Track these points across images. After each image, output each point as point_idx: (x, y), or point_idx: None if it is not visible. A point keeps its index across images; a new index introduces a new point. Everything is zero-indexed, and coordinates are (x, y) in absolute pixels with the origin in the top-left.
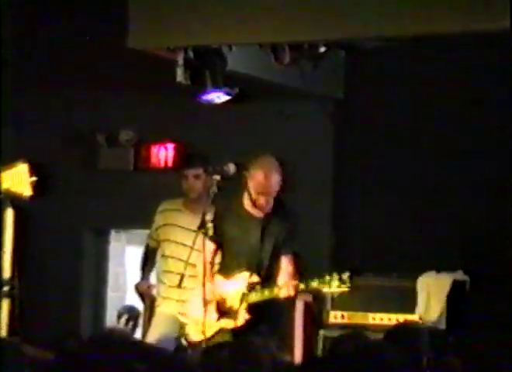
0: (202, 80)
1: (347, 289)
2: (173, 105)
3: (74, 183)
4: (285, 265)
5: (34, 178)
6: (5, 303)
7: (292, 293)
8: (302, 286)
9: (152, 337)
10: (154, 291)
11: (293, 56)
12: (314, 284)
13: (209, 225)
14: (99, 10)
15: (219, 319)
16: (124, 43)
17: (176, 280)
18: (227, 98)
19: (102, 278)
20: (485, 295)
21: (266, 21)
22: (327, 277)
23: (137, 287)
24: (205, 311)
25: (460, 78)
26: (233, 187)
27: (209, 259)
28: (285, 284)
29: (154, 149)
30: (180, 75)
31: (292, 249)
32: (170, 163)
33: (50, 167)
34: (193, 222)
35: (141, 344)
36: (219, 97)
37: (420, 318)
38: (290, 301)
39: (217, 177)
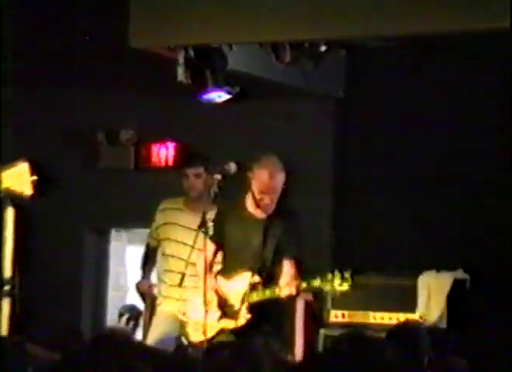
0: (202, 80)
1: (348, 287)
2: (173, 104)
3: (74, 182)
4: (287, 268)
5: (35, 177)
6: (6, 302)
7: (293, 292)
8: (304, 285)
9: (153, 336)
10: (155, 290)
11: (294, 55)
12: (316, 282)
13: (210, 224)
14: (99, 10)
15: (219, 319)
16: (125, 42)
17: (177, 279)
18: (228, 97)
19: (103, 277)
20: (485, 294)
21: (267, 20)
22: (329, 276)
23: (138, 287)
24: (206, 311)
25: (460, 78)
26: (234, 186)
27: (209, 259)
28: (286, 284)
29: (155, 148)
30: (181, 74)
31: (295, 253)
32: (170, 162)
33: (51, 166)
34: (194, 220)
35: (143, 344)
36: (219, 96)
37: (421, 317)
38: (291, 300)
39: (218, 176)
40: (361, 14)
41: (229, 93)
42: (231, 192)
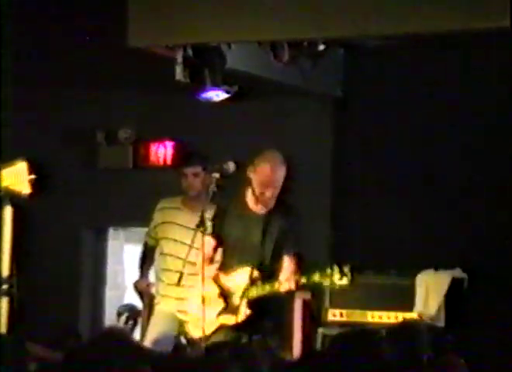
0: (201, 79)
1: (348, 282)
2: (172, 103)
3: (73, 181)
4: (287, 263)
5: (33, 176)
6: (4, 301)
7: (293, 287)
8: (303, 280)
9: (151, 335)
10: (153, 289)
11: (292, 55)
12: (315, 277)
13: (208, 223)
14: (99, 8)
15: (219, 315)
16: (123, 41)
17: (175, 278)
18: (226, 96)
19: (101, 276)
20: (483, 293)
21: (265, 19)
22: (328, 271)
23: (136, 286)
24: (204, 307)
25: (460, 78)
26: (232, 185)
27: (209, 254)
28: (286, 280)
29: (153, 147)
30: (179, 73)
31: (295, 248)
32: (169, 161)
33: (50, 165)
34: (192, 220)
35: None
36: (218, 95)
37: (419, 316)
38: (289, 299)
39: (216, 175)
40: (360, 13)
41: (227, 92)
42: (230, 191)
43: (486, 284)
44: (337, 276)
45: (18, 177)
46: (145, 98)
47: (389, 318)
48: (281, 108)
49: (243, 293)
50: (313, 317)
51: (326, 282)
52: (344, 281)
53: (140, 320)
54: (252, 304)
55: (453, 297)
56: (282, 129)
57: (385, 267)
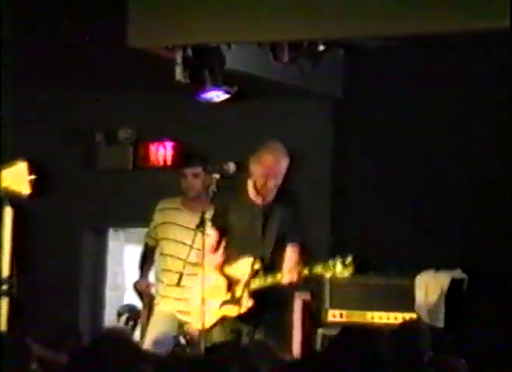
0: (201, 79)
1: (350, 274)
2: (172, 103)
3: (72, 181)
4: (290, 254)
5: (33, 176)
6: (4, 302)
7: (295, 279)
8: (305, 272)
9: (151, 336)
10: (153, 290)
11: (292, 55)
12: (318, 269)
13: (208, 223)
14: (99, 8)
15: (221, 306)
16: (123, 42)
17: (175, 279)
18: (226, 96)
19: (101, 277)
20: (483, 293)
21: (265, 19)
22: (331, 262)
23: (136, 286)
24: (203, 308)
25: (460, 77)
26: (232, 186)
27: (212, 245)
28: (289, 271)
29: (153, 148)
30: (179, 74)
31: (298, 238)
32: (169, 162)
33: (49, 165)
34: (192, 220)
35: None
36: (218, 95)
37: (419, 317)
38: (289, 297)
39: (216, 176)
40: (360, 14)
41: (227, 92)
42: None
43: (486, 285)
44: (339, 267)
45: (18, 178)
46: (145, 99)
47: (388, 318)
48: (281, 108)
49: (246, 284)
50: (313, 317)
51: (329, 274)
52: (347, 273)
53: (140, 320)
54: (255, 295)
55: (453, 297)
56: (282, 129)
57: (385, 268)
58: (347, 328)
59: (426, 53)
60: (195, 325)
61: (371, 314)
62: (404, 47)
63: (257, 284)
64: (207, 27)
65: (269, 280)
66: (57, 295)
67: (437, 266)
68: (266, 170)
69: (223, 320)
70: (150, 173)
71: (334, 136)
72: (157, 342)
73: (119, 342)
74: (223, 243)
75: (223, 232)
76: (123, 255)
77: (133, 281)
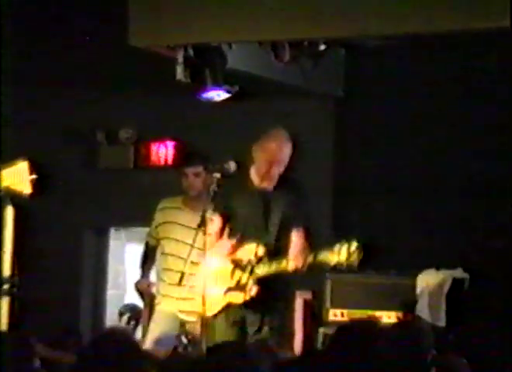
0: (201, 78)
1: (356, 260)
2: (173, 102)
3: (74, 181)
4: (296, 239)
5: (34, 176)
6: (5, 301)
7: (300, 265)
8: (310, 258)
9: (152, 335)
10: (154, 289)
11: (293, 54)
12: (323, 255)
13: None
14: (99, 7)
15: (226, 293)
16: (124, 41)
17: (176, 278)
18: (227, 95)
19: (102, 276)
20: (484, 293)
21: (266, 19)
22: (336, 248)
23: (137, 285)
24: (205, 287)
25: (460, 76)
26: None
27: (216, 231)
28: (293, 257)
29: (154, 147)
30: (180, 73)
31: (303, 222)
32: (170, 161)
33: (50, 165)
34: (193, 219)
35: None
36: (219, 95)
37: (420, 316)
38: (290, 297)
39: (217, 175)
40: (361, 13)
41: (228, 92)
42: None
43: (487, 285)
44: (344, 253)
45: (19, 177)
46: (146, 98)
47: (389, 318)
48: (282, 107)
49: (250, 270)
50: (314, 317)
51: (334, 260)
52: (353, 259)
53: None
54: (260, 282)
55: (454, 297)
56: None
57: (386, 267)
58: (346, 327)
59: (426, 53)
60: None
61: (372, 313)
62: (405, 47)
63: (262, 270)
64: (208, 26)
65: (274, 266)
66: (58, 294)
67: (438, 266)
68: (269, 157)
69: (228, 307)
70: (151, 173)
71: (335, 136)
72: (158, 342)
73: (121, 342)
74: (227, 230)
75: (227, 218)
76: (124, 254)
77: (135, 281)
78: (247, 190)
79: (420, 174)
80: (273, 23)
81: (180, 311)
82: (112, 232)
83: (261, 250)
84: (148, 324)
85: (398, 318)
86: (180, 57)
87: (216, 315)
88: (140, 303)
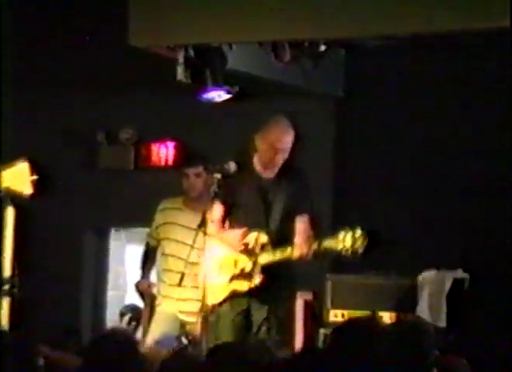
0: (202, 79)
1: (361, 246)
2: (173, 103)
3: (74, 181)
4: (300, 226)
5: (35, 177)
6: (5, 302)
7: (304, 253)
8: (315, 246)
9: (152, 336)
10: (154, 290)
11: (293, 55)
12: (327, 243)
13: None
14: (100, 8)
15: (231, 281)
16: (124, 41)
17: (176, 279)
18: (228, 96)
19: (102, 277)
20: (484, 293)
21: (266, 19)
22: (341, 236)
23: (137, 286)
24: (203, 274)
25: (460, 77)
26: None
27: (218, 219)
28: (298, 245)
29: (155, 148)
30: (180, 73)
31: (307, 208)
32: (170, 162)
33: (51, 165)
34: (193, 220)
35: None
36: (219, 95)
37: (420, 317)
38: (291, 298)
39: (218, 176)
40: (361, 13)
41: (228, 92)
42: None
43: (488, 285)
44: (349, 240)
45: (19, 178)
46: (146, 99)
47: (390, 318)
48: (282, 108)
49: (254, 258)
50: (315, 317)
51: (339, 247)
52: (358, 246)
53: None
54: (264, 270)
55: (454, 297)
56: None
57: (386, 267)
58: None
59: (426, 53)
60: (207, 301)
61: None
62: (405, 47)
63: (266, 258)
64: (208, 27)
65: (278, 254)
66: (59, 295)
67: (439, 266)
68: (273, 145)
69: (233, 295)
70: (152, 174)
71: (335, 136)
72: (158, 343)
73: (120, 343)
74: (231, 218)
75: (229, 206)
76: (125, 255)
77: (135, 281)
78: (250, 178)
79: (421, 174)
80: (273, 24)
81: (180, 311)
82: (113, 232)
83: (265, 238)
84: (149, 324)
85: (398, 318)
86: (180, 58)
87: (221, 304)
88: (140, 303)
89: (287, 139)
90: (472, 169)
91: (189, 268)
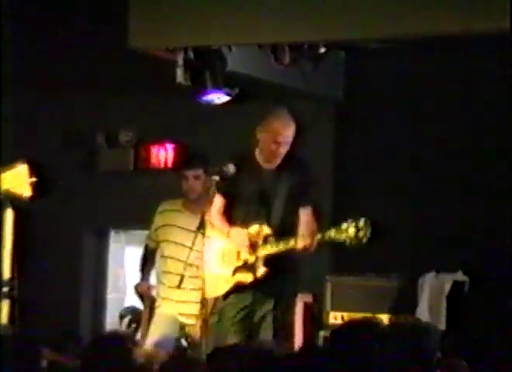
0: (202, 81)
1: (365, 236)
2: (173, 105)
3: (73, 183)
4: (304, 218)
5: (34, 179)
6: (5, 304)
7: (308, 244)
8: (318, 236)
9: (152, 338)
10: (154, 292)
11: (293, 57)
12: (331, 233)
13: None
14: (99, 10)
15: (235, 273)
16: (124, 43)
17: (176, 281)
18: (227, 98)
19: (102, 279)
20: (484, 296)
21: (266, 21)
22: (344, 225)
23: (137, 288)
24: (203, 266)
25: (460, 79)
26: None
27: (218, 211)
28: (302, 236)
29: (154, 150)
30: (180, 76)
31: (311, 200)
32: (170, 164)
33: (50, 167)
34: (193, 222)
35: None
36: (219, 97)
37: (420, 319)
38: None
39: (216, 178)
40: (361, 16)
41: (228, 94)
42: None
43: (487, 288)
44: (352, 230)
45: (19, 180)
46: (146, 101)
47: (390, 321)
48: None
49: (257, 250)
50: (315, 319)
51: (343, 237)
52: (362, 235)
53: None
54: (268, 261)
55: (454, 300)
56: None
57: (386, 270)
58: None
59: (426, 55)
60: (209, 292)
61: (372, 316)
62: (405, 49)
63: (269, 250)
64: (208, 29)
65: (281, 245)
66: (58, 297)
67: (439, 269)
68: (274, 137)
69: (237, 287)
70: (151, 176)
71: (335, 138)
72: (158, 345)
73: (114, 347)
74: (233, 210)
75: (230, 198)
76: (124, 257)
77: (134, 283)
78: (252, 170)
79: (421, 176)
80: (273, 26)
81: (180, 313)
82: (112, 234)
83: (267, 230)
84: (148, 327)
85: (398, 320)
86: (180, 60)
87: (225, 298)
88: (140, 305)
89: (288, 133)
90: (473, 170)
91: (188, 270)
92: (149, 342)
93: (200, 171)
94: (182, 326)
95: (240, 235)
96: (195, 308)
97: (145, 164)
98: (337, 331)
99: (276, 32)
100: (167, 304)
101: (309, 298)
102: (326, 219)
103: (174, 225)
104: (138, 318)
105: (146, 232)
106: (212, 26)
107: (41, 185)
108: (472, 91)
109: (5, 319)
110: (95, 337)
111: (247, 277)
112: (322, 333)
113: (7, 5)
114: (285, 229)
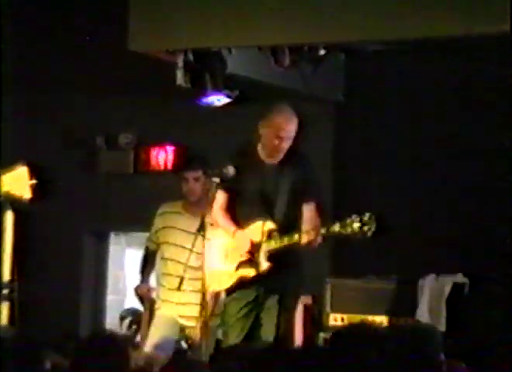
0: (202, 83)
1: (370, 230)
2: (173, 107)
3: (73, 186)
4: (307, 213)
5: (34, 181)
6: (5, 306)
7: (312, 237)
8: (323, 231)
9: (152, 340)
10: (154, 294)
11: (293, 59)
12: (335, 227)
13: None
14: (100, 12)
15: (238, 268)
16: (124, 45)
17: (176, 283)
18: (227, 100)
19: (102, 281)
20: (484, 298)
21: (266, 24)
22: (348, 220)
23: (137, 290)
24: (203, 262)
25: (459, 80)
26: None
27: (221, 207)
28: (305, 231)
29: (154, 152)
30: (180, 78)
31: (314, 195)
32: (170, 166)
33: (50, 169)
34: (193, 224)
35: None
36: (219, 99)
37: (420, 321)
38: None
39: (216, 180)
40: (361, 18)
41: (228, 97)
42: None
43: (487, 289)
44: (357, 225)
45: (18, 182)
46: (146, 103)
47: (390, 323)
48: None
49: (260, 245)
50: (314, 321)
51: (348, 231)
52: (366, 229)
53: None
54: (271, 257)
55: (454, 302)
56: None
57: (386, 272)
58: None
59: (426, 57)
60: (211, 287)
61: (372, 318)
62: (404, 51)
63: (273, 245)
64: (208, 31)
65: (285, 241)
66: (58, 299)
67: (439, 271)
68: (276, 132)
69: (241, 282)
70: (151, 178)
71: (335, 140)
72: (158, 347)
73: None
74: (236, 206)
75: (233, 194)
76: (124, 259)
77: (134, 285)
78: (254, 166)
79: (421, 177)
80: (273, 28)
81: (180, 315)
82: (112, 236)
83: (271, 225)
84: (148, 329)
85: (398, 323)
86: (180, 62)
87: (229, 294)
88: (140, 307)
89: (291, 127)
90: (473, 171)
91: (188, 272)
92: (149, 344)
93: (200, 173)
94: (182, 328)
95: (244, 240)
96: (195, 310)
97: (145, 166)
98: (338, 333)
99: (276, 35)
100: (167, 306)
101: (309, 300)
102: (325, 218)
103: (174, 227)
104: (138, 320)
105: (146, 234)
106: (212, 28)
107: (41, 187)
108: (472, 90)
109: (5, 321)
110: (84, 337)
111: (250, 272)
112: (322, 335)
113: (7, 5)
114: (288, 224)
